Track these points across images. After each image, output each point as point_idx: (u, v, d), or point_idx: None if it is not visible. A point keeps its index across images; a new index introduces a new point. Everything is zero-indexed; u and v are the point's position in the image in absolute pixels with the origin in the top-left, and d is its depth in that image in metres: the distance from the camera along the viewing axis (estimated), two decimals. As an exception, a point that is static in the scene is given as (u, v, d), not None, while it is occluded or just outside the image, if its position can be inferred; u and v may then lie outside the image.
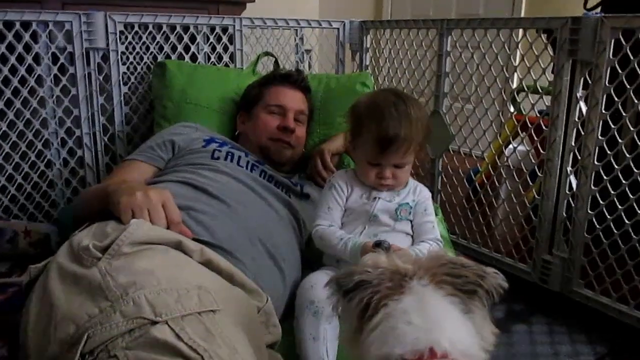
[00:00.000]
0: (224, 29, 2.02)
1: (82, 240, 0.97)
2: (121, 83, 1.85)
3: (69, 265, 0.93)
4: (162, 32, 1.92)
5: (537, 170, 1.69)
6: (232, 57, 2.05)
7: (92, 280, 0.88)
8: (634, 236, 1.45)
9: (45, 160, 1.82)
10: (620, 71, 1.44)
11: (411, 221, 1.24)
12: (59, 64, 1.75)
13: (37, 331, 0.90)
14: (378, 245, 1.09)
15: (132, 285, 0.85)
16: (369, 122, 1.17)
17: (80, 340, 0.80)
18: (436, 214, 1.48)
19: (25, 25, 1.69)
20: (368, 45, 2.24)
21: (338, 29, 2.22)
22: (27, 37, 1.69)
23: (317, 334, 1.11)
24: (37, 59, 1.73)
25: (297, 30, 2.21)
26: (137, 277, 0.87)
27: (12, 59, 1.68)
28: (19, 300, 1.09)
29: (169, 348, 0.77)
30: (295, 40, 2.24)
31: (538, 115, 1.72)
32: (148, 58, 1.93)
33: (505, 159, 1.97)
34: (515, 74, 1.87)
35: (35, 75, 1.73)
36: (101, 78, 1.83)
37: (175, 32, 1.93)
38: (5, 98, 1.69)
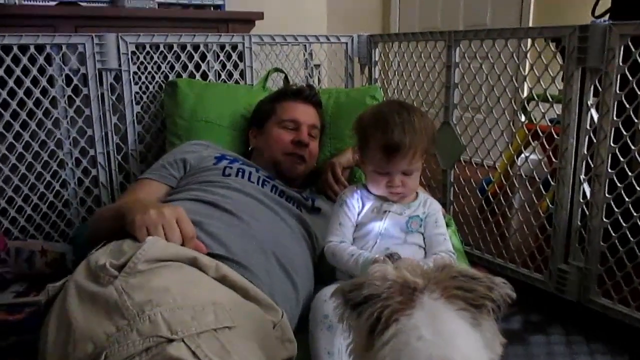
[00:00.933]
0: (234, 47, 2.04)
1: (99, 258, 0.98)
2: (134, 102, 1.88)
3: (87, 284, 0.94)
4: (173, 51, 1.95)
5: (550, 179, 1.68)
6: (242, 74, 2.07)
7: (109, 299, 0.89)
8: (651, 243, 1.43)
9: (61, 180, 1.84)
10: (630, 78, 1.43)
11: (422, 234, 1.24)
12: (72, 85, 1.79)
13: (55, 350, 0.91)
14: (389, 257, 1.09)
15: (149, 303, 0.86)
16: (374, 131, 1.19)
17: (99, 359, 0.81)
18: (449, 225, 1.48)
19: (40, 48, 1.72)
20: (377, 59, 2.25)
21: (346, 43, 2.24)
22: (41, 59, 1.72)
23: (332, 348, 1.11)
24: (51, 81, 1.76)
25: (305, 45, 2.23)
26: (153, 295, 0.88)
27: (27, 82, 1.71)
28: (36, 321, 1.10)
29: (185, 366, 0.78)
30: (304, 55, 2.26)
31: (549, 123, 1.71)
32: (160, 77, 1.95)
33: (518, 168, 1.96)
34: (525, 83, 1.87)
35: (50, 97, 1.76)
36: (114, 98, 1.86)
37: (186, 51, 1.96)
38: (21, 120, 1.73)
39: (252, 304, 1.07)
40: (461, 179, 2.00)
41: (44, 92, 1.76)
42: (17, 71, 1.69)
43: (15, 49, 1.68)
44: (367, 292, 0.72)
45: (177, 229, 1.07)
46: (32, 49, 1.70)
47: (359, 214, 1.25)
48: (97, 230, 1.27)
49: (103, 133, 1.85)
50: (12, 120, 1.71)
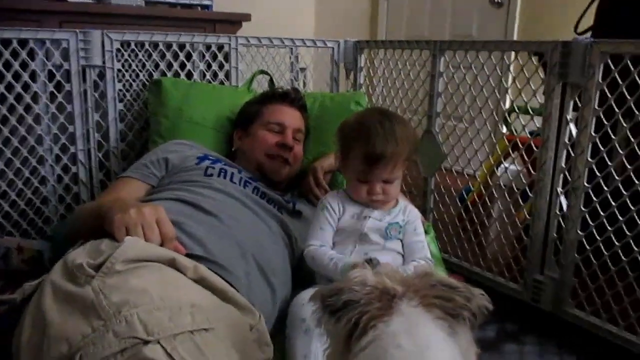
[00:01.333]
0: (220, 47, 2.04)
1: (76, 258, 0.97)
2: (117, 100, 1.87)
3: (63, 284, 0.94)
4: (158, 49, 1.94)
5: (528, 190, 1.71)
6: (227, 75, 2.07)
7: (85, 299, 0.88)
8: (624, 257, 1.46)
9: (40, 176, 1.82)
10: (609, 95, 1.46)
11: (401, 240, 1.26)
12: (55, 81, 1.76)
13: (30, 349, 0.90)
14: (368, 263, 1.10)
15: (126, 304, 0.86)
16: (356, 140, 1.20)
17: (73, 360, 0.80)
18: (428, 233, 1.50)
19: (23, 42, 1.70)
20: (362, 65, 2.27)
21: (333, 48, 2.25)
22: (24, 54, 1.70)
23: (308, 352, 1.11)
24: (33, 76, 1.74)
25: (292, 49, 2.24)
26: (131, 295, 0.88)
27: (9, 77, 1.69)
28: (11, 319, 1.09)
29: (160, 368, 0.78)
30: (290, 58, 2.27)
31: (529, 135, 1.74)
32: (144, 75, 1.94)
33: (497, 178, 1.99)
34: (507, 95, 1.90)
35: (32, 93, 1.74)
36: (97, 95, 1.84)
37: (171, 49, 1.95)
38: (1, 115, 1.70)
39: (230, 306, 1.07)
40: (441, 187, 2.02)
41: (26, 87, 1.73)
42: (-1, 65, 1.67)
43: (-3, 42, 1.66)
44: (346, 298, 0.73)
45: (157, 229, 1.07)
46: (14, 43, 1.68)
47: (339, 219, 1.26)
48: (76, 229, 1.26)
49: (85, 130, 1.84)
50: (-8, 115, 1.69)
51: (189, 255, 1.10)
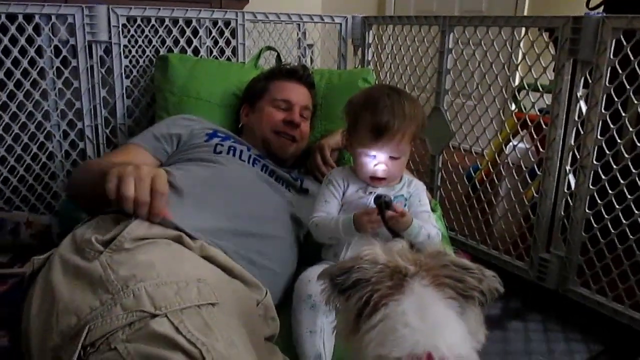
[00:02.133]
0: (227, 23, 2.02)
1: (84, 233, 0.98)
2: (123, 76, 1.86)
3: (72, 258, 0.95)
4: (164, 25, 1.92)
5: (536, 168, 1.70)
6: (234, 51, 2.05)
7: (93, 273, 0.89)
8: (631, 236, 1.46)
9: (47, 152, 1.83)
10: (620, 71, 1.44)
11: None
12: (61, 57, 1.76)
13: (39, 322, 0.91)
14: (378, 198, 1.11)
15: (133, 278, 0.87)
16: (363, 112, 1.20)
17: (82, 333, 0.81)
18: (435, 211, 1.50)
19: (28, 18, 1.69)
20: (370, 41, 2.24)
21: (340, 24, 2.23)
22: (29, 29, 1.69)
23: (314, 327, 1.12)
24: (39, 51, 1.74)
25: (299, 25, 2.22)
26: (138, 270, 0.89)
27: (15, 52, 1.68)
28: (20, 292, 1.10)
29: (167, 341, 0.79)
30: (297, 35, 2.24)
31: (538, 113, 1.72)
32: (150, 51, 1.93)
33: (505, 156, 1.98)
34: (517, 72, 1.88)
35: (38, 68, 1.74)
36: (103, 71, 1.83)
37: (178, 25, 1.94)
38: (8, 90, 1.70)
39: (237, 281, 1.08)
40: (449, 165, 2.01)
41: (32, 62, 1.73)
42: (5, 40, 1.66)
43: (2, 17, 1.65)
44: (356, 277, 0.72)
45: (149, 185, 0.99)
46: (20, 19, 1.67)
47: (344, 193, 1.26)
48: (79, 185, 1.25)
49: (91, 106, 1.84)
50: (-2, 90, 1.69)
51: (192, 226, 1.09)
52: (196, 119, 1.56)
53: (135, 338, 0.80)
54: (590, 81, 1.51)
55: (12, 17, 1.66)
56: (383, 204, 1.12)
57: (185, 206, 1.15)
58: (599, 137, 1.50)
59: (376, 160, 1.21)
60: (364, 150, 1.22)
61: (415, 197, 1.27)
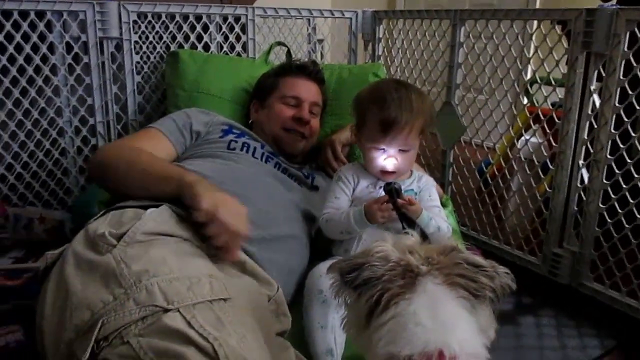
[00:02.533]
0: (237, 19, 2.02)
1: (98, 227, 0.99)
2: (134, 72, 1.87)
3: (85, 252, 0.96)
4: (175, 21, 1.93)
5: (549, 163, 1.68)
6: (244, 47, 2.05)
7: (106, 267, 0.90)
8: (645, 230, 1.44)
9: (60, 148, 1.84)
10: (635, 64, 1.42)
11: None
12: (73, 53, 1.77)
13: (53, 316, 0.92)
14: (388, 185, 1.12)
15: (145, 273, 0.87)
16: (371, 106, 1.20)
17: (95, 327, 0.82)
18: (447, 206, 1.49)
19: (40, 14, 1.70)
20: (381, 36, 2.23)
21: (351, 18, 2.22)
22: (41, 26, 1.70)
23: (325, 322, 1.13)
24: (51, 48, 1.75)
25: (309, 19, 2.21)
26: (151, 265, 0.89)
27: (27, 48, 1.70)
28: (34, 286, 1.12)
29: (180, 336, 0.79)
30: (307, 30, 2.24)
31: (551, 107, 1.70)
32: (161, 47, 1.94)
33: (517, 151, 1.96)
34: (529, 66, 1.86)
35: (50, 65, 1.75)
36: (115, 67, 1.84)
37: (188, 21, 1.94)
38: (21, 87, 1.71)
39: (248, 277, 1.09)
40: (460, 160, 2.00)
41: (44, 59, 1.74)
42: (17, 37, 1.67)
43: (15, 14, 1.66)
44: (367, 275, 0.72)
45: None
46: (32, 15, 1.68)
47: (354, 189, 1.27)
48: (115, 172, 1.22)
49: (103, 102, 1.85)
50: (11, 87, 1.70)
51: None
52: (212, 113, 1.56)
53: (148, 332, 0.80)
54: (603, 74, 1.49)
55: (24, 14, 1.68)
56: (393, 190, 1.12)
57: None
58: (612, 130, 1.49)
59: (385, 154, 1.21)
60: (372, 144, 1.22)
61: (425, 191, 1.27)
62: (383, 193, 1.20)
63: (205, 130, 1.46)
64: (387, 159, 1.21)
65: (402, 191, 1.18)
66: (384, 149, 1.21)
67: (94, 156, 1.33)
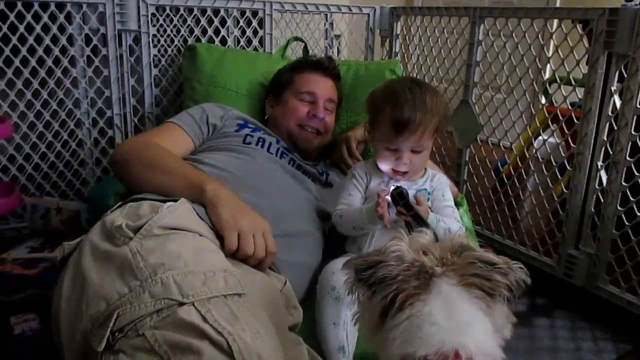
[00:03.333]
0: (254, 13, 2.02)
1: (115, 219, 0.99)
2: (152, 65, 1.88)
3: (101, 244, 0.96)
4: (193, 15, 1.93)
5: (566, 163, 1.66)
6: (261, 42, 2.05)
7: (123, 259, 0.90)
8: (664, 234, 1.42)
9: (77, 139, 1.86)
10: (658, 65, 1.40)
11: (430, 207, 1.24)
12: (91, 45, 1.78)
13: (69, 306, 0.93)
14: (396, 189, 1.11)
15: (161, 267, 0.87)
16: (384, 106, 1.19)
17: (111, 318, 0.83)
18: (461, 205, 1.48)
19: (60, 6, 1.72)
20: (398, 32, 2.22)
21: (368, 14, 2.21)
22: (61, 18, 1.72)
23: (337, 319, 1.13)
24: (70, 40, 1.76)
25: (327, 15, 2.21)
26: (166, 258, 0.90)
27: (47, 40, 1.71)
28: (50, 276, 1.13)
29: (194, 329, 0.79)
30: (325, 25, 2.23)
31: (570, 107, 1.68)
32: (179, 41, 1.95)
33: (534, 150, 1.94)
34: (548, 65, 1.84)
35: (69, 56, 1.76)
36: (132, 60, 1.85)
37: (206, 15, 1.94)
38: (40, 78, 1.73)
39: (261, 272, 1.09)
40: (476, 159, 1.99)
41: (63, 51, 1.76)
42: (37, 28, 1.69)
43: (36, 5, 1.67)
44: (382, 274, 0.72)
45: (264, 244, 1.10)
46: (52, 7, 1.70)
47: (367, 187, 1.26)
48: (139, 169, 1.23)
49: (120, 94, 1.86)
50: (31, 78, 1.72)
51: None
52: (227, 107, 1.56)
53: (162, 325, 0.81)
54: (625, 75, 1.47)
55: (44, 5, 1.69)
56: (396, 195, 1.11)
57: None
58: (632, 132, 1.47)
59: (398, 154, 1.20)
60: (385, 144, 1.21)
61: (438, 191, 1.26)
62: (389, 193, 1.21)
63: (221, 123, 1.47)
64: (398, 159, 1.20)
65: (409, 196, 1.18)
66: (396, 149, 1.20)
67: (115, 152, 1.33)
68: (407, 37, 2.25)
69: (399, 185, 1.15)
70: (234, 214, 1.09)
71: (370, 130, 1.27)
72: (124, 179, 1.26)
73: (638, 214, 1.48)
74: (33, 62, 1.71)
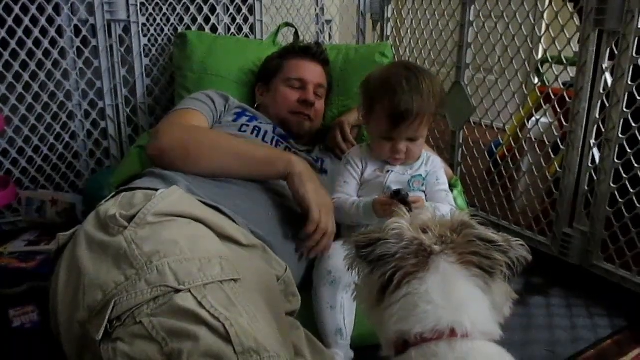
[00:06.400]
0: (244, 0, 2.00)
1: (108, 209, 0.99)
2: (142, 55, 1.87)
3: (96, 234, 0.96)
4: (182, 3, 1.92)
5: (559, 143, 1.67)
6: (252, 28, 2.04)
7: (118, 248, 0.91)
8: (657, 210, 1.43)
9: (70, 131, 1.85)
10: (648, 41, 1.40)
11: (424, 192, 1.25)
12: (81, 36, 1.77)
13: (66, 297, 0.93)
14: (396, 194, 1.10)
15: (157, 254, 0.88)
16: (381, 97, 1.17)
17: (108, 307, 0.83)
18: (456, 187, 1.49)
19: (48, -3, 1.70)
20: (389, 16, 2.21)
21: (359, -2, 2.19)
22: (50, 9, 1.70)
23: (334, 303, 1.14)
24: (60, 31, 1.75)
25: (317, 0, 2.19)
26: (162, 246, 0.90)
27: (36, 32, 1.70)
28: (48, 268, 1.13)
29: (191, 315, 0.80)
30: (315, 10, 2.22)
31: (562, 86, 1.68)
32: (169, 30, 1.93)
33: (528, 131, 1.94)
34: (540, 45, 1.83)
35: (59, 48, 1.75)
36: (123, 50, 1.84)
37: (195, 3, 1.93)
38: (30, 70, 1.72)
39: (257, 257, 1.09)
40: (470, 141, 1.99)
41: (53, 42, 1.74)
42: (26, 20, 1.68)
43: (23, -3, 1.66)
44: (381, 252, 0.72)
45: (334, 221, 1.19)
46: (40, -2, 1.68)
47: (362, 173, 1.26)
48: (203, 160, 1.22)
49: (112, 85, 1.85)
50: (21, 71, 1.71)
51: (217, 210, 1.11)
52: (228, 96, 1.55)
53: (160, 312, 0.81)
54: (616, 52, 1.47)
55: (32, -3, 1.67)
56: (401, 198, 1.10)
57: (212, 187, 1.18)
58: (624, 109, 1.47)
59: (393, 144, 1.20)
60: (381, 134, 1.20)
61: (432, 175, 1.26)
62: (391, 177, 1.22)
63: (224, 111, 1.48)
64: (394, 147, 1.20)
65: (412, 179, 1.18)
66: (392, 138, 1.20)
67: (157, 142, 1.24)
68: (398, 20, 2.24)
69: (398, 189, 1.13)
70: (316, 189, 1.17)
71: (365, 117, 1.26)
72: (177, 166, 1.20)
73: (631, 190, 1.49)
74: (23, 54, 1.70)
